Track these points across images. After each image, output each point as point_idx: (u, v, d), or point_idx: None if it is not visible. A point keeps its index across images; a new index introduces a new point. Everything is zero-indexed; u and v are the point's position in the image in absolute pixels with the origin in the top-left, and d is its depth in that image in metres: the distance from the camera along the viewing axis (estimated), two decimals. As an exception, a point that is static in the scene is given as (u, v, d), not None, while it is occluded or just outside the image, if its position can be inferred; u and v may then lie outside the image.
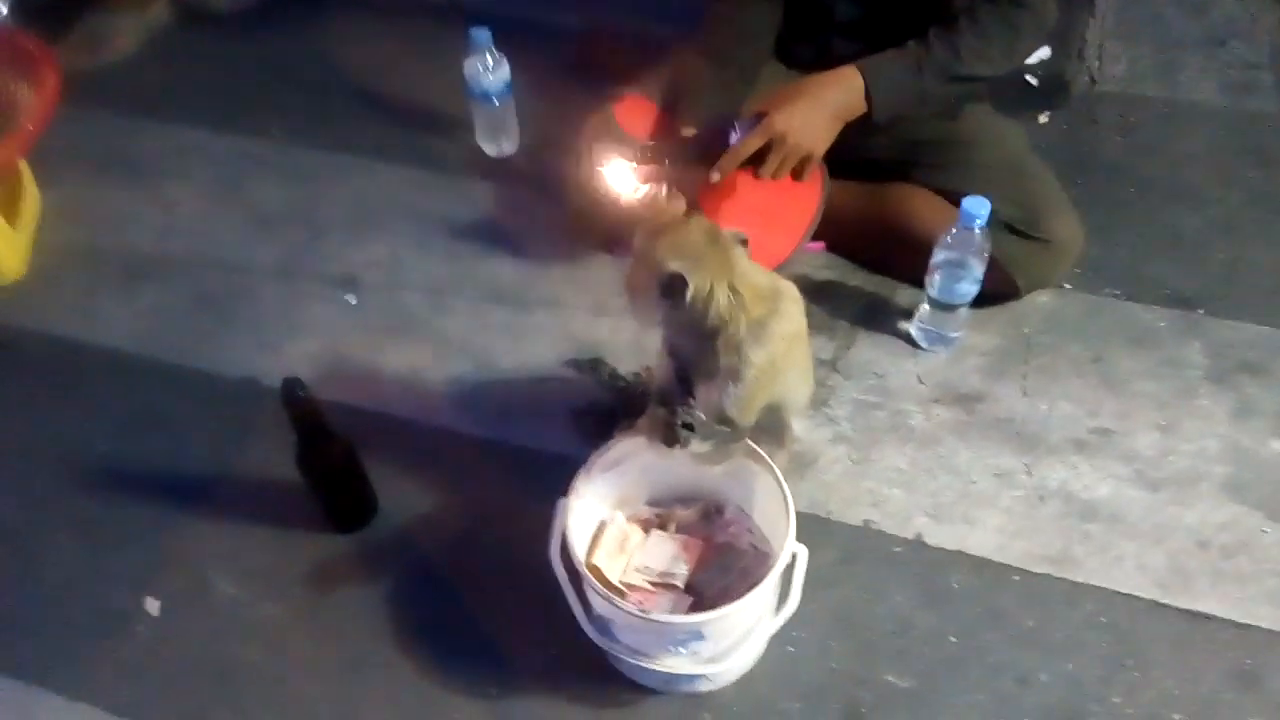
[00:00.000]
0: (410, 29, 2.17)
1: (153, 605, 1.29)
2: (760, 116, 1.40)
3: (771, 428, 1.20)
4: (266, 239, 1.74)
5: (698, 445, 1.09)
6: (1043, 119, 1.92)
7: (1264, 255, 1.66)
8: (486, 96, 1.78)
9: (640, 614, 1.07)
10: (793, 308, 1.10)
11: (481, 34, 1.73)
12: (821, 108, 1.41)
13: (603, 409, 1.46)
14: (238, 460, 1.43)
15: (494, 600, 1.28)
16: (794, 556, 1.11)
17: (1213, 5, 2.12)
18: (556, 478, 1.37)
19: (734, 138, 1.40)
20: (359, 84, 2.04)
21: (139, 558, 1.33)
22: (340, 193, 1.82)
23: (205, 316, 1.63)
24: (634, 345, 1.54)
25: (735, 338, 1.04)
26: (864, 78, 1.41)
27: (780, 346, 1.08)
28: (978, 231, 1.39)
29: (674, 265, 1.02)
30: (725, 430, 1.10)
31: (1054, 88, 1.97)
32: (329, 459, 1.26)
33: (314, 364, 1.54)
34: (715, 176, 1.42)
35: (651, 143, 1.43)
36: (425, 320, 1.61)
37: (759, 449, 1.16)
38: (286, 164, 1.88)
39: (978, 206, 1.37)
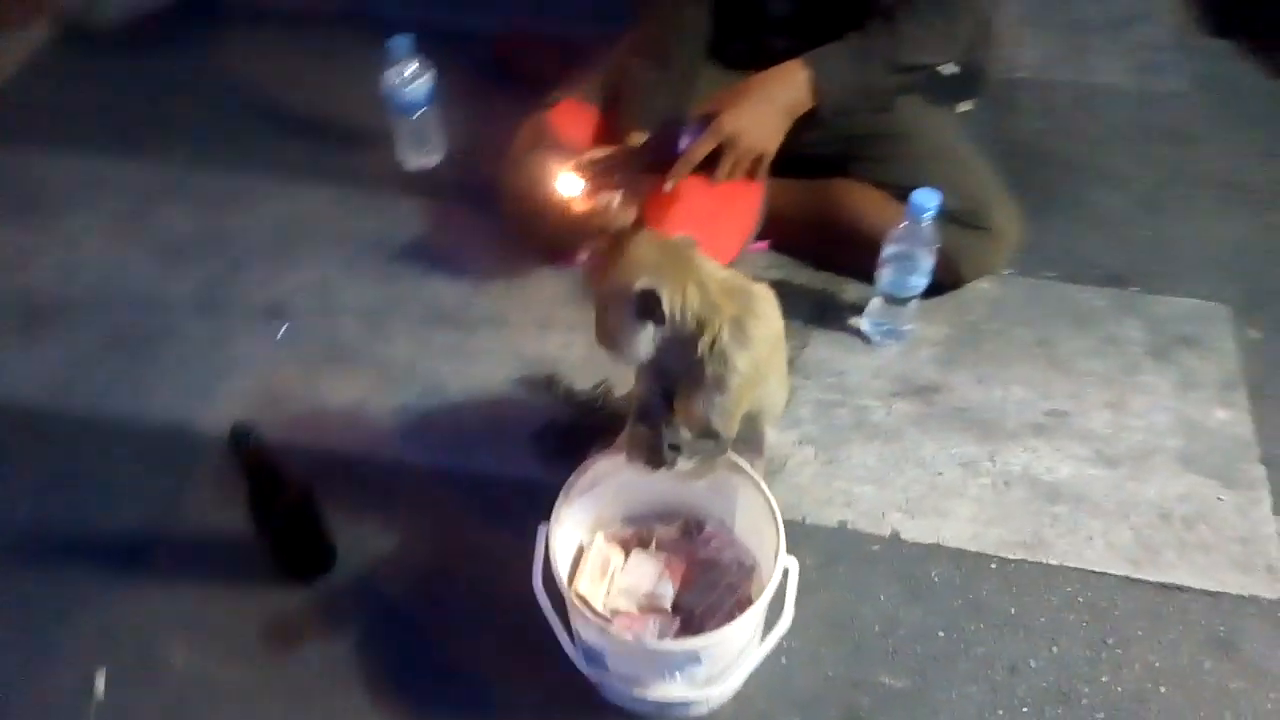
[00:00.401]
0: (315, 39, 2.08)
1: (101, 683, 1.18)
2: (708, 119, 1.37)
3: (749, 437, 1.17)
4: (182, 272, 1.63)
5: (684, 464, 1.05)
6: (964, 108, 1.94)
7: (1187, 230, 1.71)
8: (409, 107, 1.71)
9: (635, 642, 1.03)
10: (769, 309, 1.08)
11: (402, 42, 1.66)
12: (770, 105, 1.38)
13: (562, 427, 1.41)
14: (177, 514, 1.34)
15: (471, 639, 1.23)
16: (785, 571, 1.08)
17: (1113, -12, 2.20)
18: (522, 503, 1.33)
19: (684, 142, 1.37)
20: (266, 100, 1.94)
21: (81, 632, 1.22)
22: (258, 217, 1.72)
23: (122, 360, 1.51)
24: (587, 359, 1.50)
25: (720, 342, 1.01)
26: (810, 71, 1.39)
27: (763, 350, 1.05)
28: (927, 224, 1.39)
29: (640, 283, 0.98)
30: (709, 444, 1.07)
31: (972, 76, 2.00)
32: (285, 507, 1.18)
33: (248, 402, 1.45)
34: (669, 186, 1.38)
35: (601, 153, 1.38)
36: (364, 347, 1.53)
37: (741, 461, 1.14)
38: (196, 190, 1.77)
39: (927, 199, 1.37)
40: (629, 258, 0.99)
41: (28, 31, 2.08)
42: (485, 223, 1.68)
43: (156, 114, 1.92)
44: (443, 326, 1.55)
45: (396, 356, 1.52)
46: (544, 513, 1.29)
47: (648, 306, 0.98)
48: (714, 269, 1.05)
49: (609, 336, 1.03)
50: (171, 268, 1.64)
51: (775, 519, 1.10)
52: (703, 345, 1.02)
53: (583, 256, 1.62)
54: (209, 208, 1.73)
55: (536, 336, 1.54)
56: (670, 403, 1.10)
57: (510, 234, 1.63)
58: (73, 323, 1.56)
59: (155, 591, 1.26)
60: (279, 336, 1.54)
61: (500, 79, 1.95)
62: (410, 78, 1.69)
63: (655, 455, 1.04)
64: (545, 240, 1.60)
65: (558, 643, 1.17)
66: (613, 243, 1.04)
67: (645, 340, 1.01)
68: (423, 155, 1.80)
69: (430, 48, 1.72)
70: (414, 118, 1.73)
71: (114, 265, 1.64)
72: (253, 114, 1.91)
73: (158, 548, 1.30)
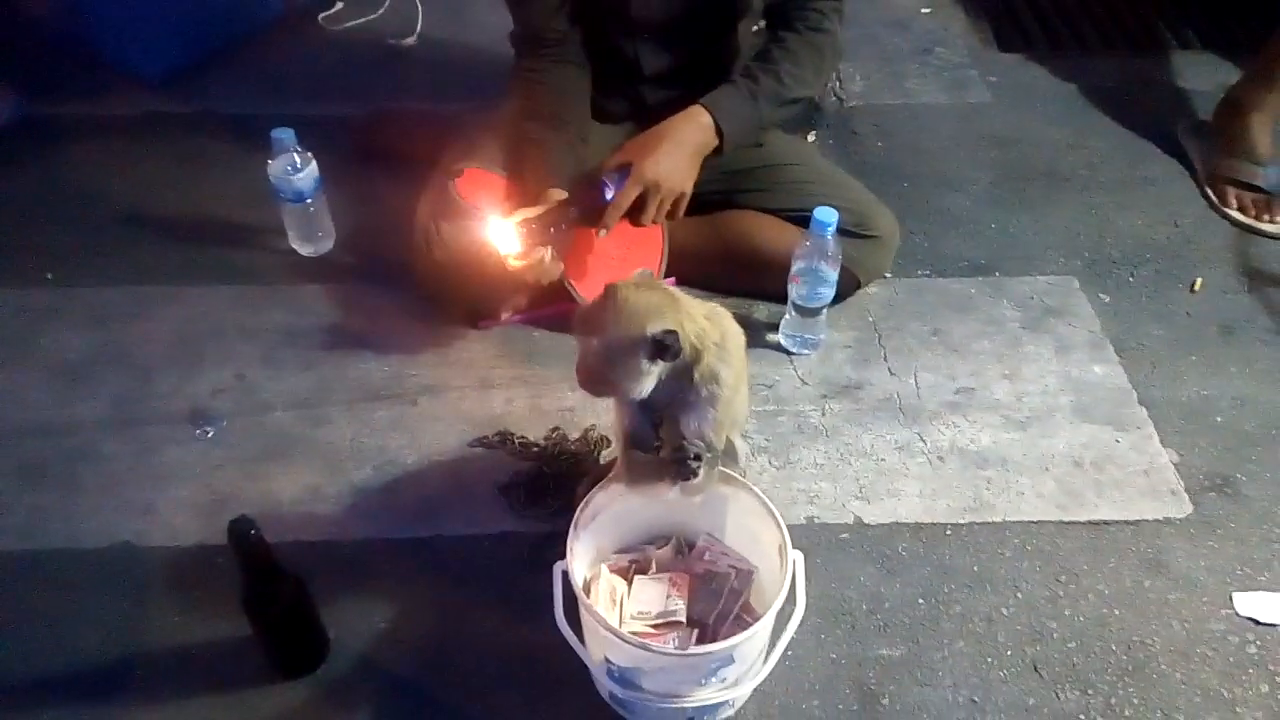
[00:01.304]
0: (165, 144, 2.02)
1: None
2: (625, 168, 1.45)
3: (726, 450, 1.24)
4: (84, 392, 1.55)
5: (705, 472, 1.11)
6: (810, 138, 2.12)
7: (1025, 218, 1.94)
8: (300, 197, 1.70)
9: (678, 651, 1.07)
10: (735, 326, 1.16)
11: (285, 134, 1.66)
12: (682, 148, 1.48)
13: (528, 477, 1.44)
14: (143, 634, 1.26)
15: (485, 695, 1.22)
16: (794, 562, 1.15)
17: (912, 20, 2.46)
18: (504, 556, 1.36)
19: (608, 193, 1.44)
20: (128, 209, 1.87)
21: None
22: (153, 326, 1.65)
23: (43, 491, 1.42)
24: (533, 410, 1.54)
25: (709, 366, 1.08)
26: (711, 114, 1.50)
27: (738, 363, 1.13)
28: (830, 238, 1.52)
29: (655, 326, 1.02)
30: (711, 454, 1.13)
31: (809, 110, 2.18)
32: (285, 599, 1.14)
33: (193, 510, 1.40)
34: (603, 233, 1.45)
35: (533, 212, 1.43)
36: (303, 436, 1.50)
37: (729, 471, 1.20)
38: (78, 309, 1.68)
39: (828, 215, 1.51)
40: (629, 306, 1.03)
41: None
42: (397, 298, 1.69)
43: (11, 238, 1.81)
44: (380, 403, 1.55)
45: (339, 439, 1.50)
46: (528, 561, 1.33)
47: (664, 347, 1.03)
48: (688, 298, 1.12)
49: (611, 383, 1.06)
50: (73, 389, 1.55)
51: (774, 516, 1.17)
52: (697, 371, 1.08)
53: (506, 315, 1.65)
54: (99, 324, 1.65)
55: (478, 398, 1.56)
56: (656, 428, 1.16)
57: (430, 302, 1.65)
58: (-25, 461, 1.45)
59: (145, 716, 1.18)
60: (209, 437, 1.48)
61: (362, 161, 1.96)
62: (297, 168, 1.69)
63: (684, 469, 1.09)
64: (469, 304, 1.63)
65: (575, 682, 1.20)
66: (601, 298, 1.07)
67: (651, 378, 1.06)
68: (314, 242, 1.78)
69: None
70: (304, 206, 1.73)
71: (7, 395, 1.54)
72: (121, 224, 1.84)
73: (133, 671, 1.23)
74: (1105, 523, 1.43)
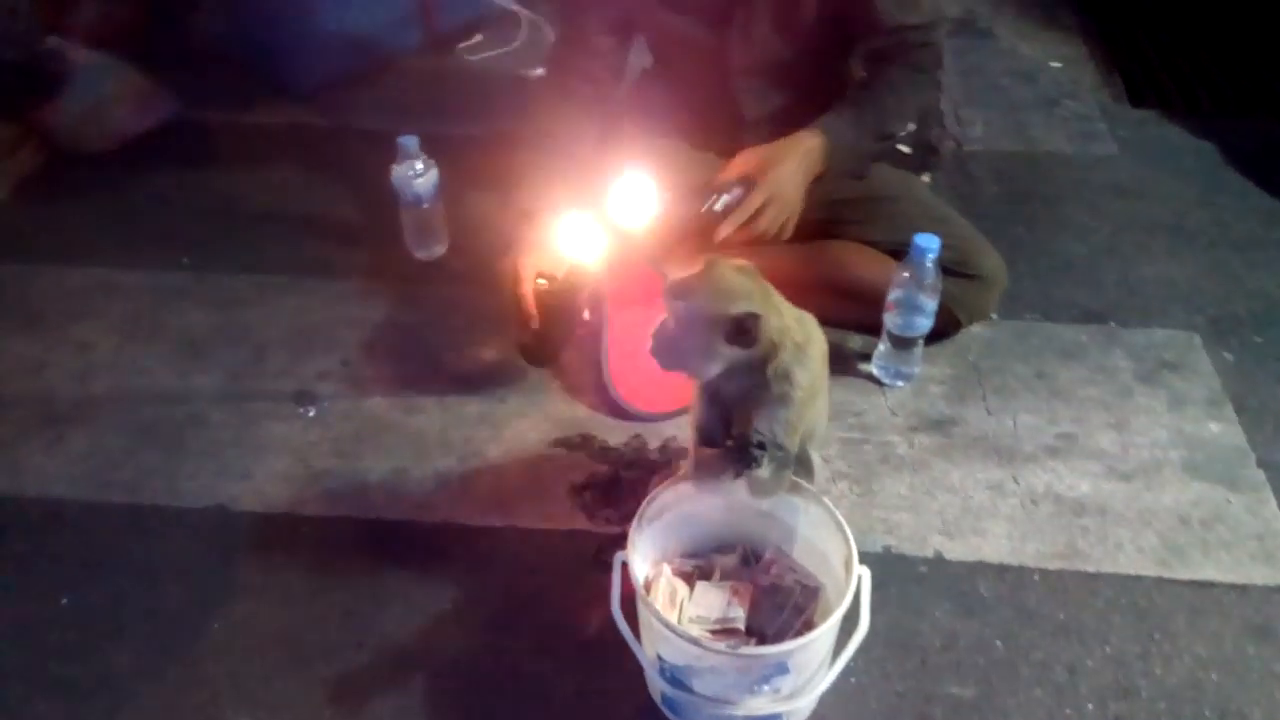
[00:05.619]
0: (296, 149, 2.16)
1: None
2: (741, 181, 1.47)
3: (800, 459, 1.22)
4: (202, 366, 1.64)
5: (766, 467, 1.09)
6: (924, 179, 2.09)
7: (1147, 270, 1.86)
8: (418, 200, 1.78)
9: (730, 651, 1.05)
10: (818, 332, 1.15)
11: (410, 141, 1.75)
12: (797, 169, 1.50)
13: (604, 479, 1.44)
14: (229, 591, 1.32)
15: (539, 686, 1.22)
16: (859, 579, 1.12)
17: (1040, 72, 2.43)
18: (571, 553, 1.36)
19: (723, 201, 1.46)
20: (263, 207, 2.00)
21: (143, 713, 1.19)
22: (272, 313, 1.75)
23: (152, 452, 1.50)
24: (616, 418, 1.55)
25: (784, 364, 1.07)
26: (822, 139, 1.51)
27: (817, 368, 1.12)
28: (929, 265, 1.50)
29: (740, 307, 1.02)
30: (781, 454, 1.11)
31: (925, 153, 2.16)
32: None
33: (286, 481, 1.46)
34: (723, 234, 1.46)
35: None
36: (396, 421, 1.55)
37: (801, 481, 1.18)
38: (206, 292, 1.79)
39: (929, 241, 1.48)
40: (723, 282, 1.03)
41: (15, 157, 2.11)
42: (498, 303, 1.74)
43: (156, 226, 1.95)
44: (471, 397, 1.59)
45: (429, 428, 1.54)
46: (593, 560, 1.33)
47: (743, 330, 1.03)
48: (780, 297, 1.11)
49: (683, 354, 1.06)
50: (191, 363, 1.65)
51: (843, 530, 1.14)
52: (771, 368, 1.07)
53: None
54: (222, 307, 1.76)
55: (565, 401, 1.58)
56: (728, 426, 1.16)
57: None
58: (97, 421, 1.55)
59: (215, 668, 1.23)
60: (310, 416, 1.55)
61: (480, 178, 2.03)
62: (419, 173, 1.77)
63: (746, 455, 1.08)
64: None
65: (629, 681, 1.19)
66: (699, 270, 1.08)
67: (722, 361, 1.06)
68: (429, 246, 1.86)
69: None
70: (422, 211, 1.80)
71: (131, 365, 1.65)
72: (254, 220, 1.96)
73: (212, 625, 1.27)
74: (1210, 584, 1.34)
